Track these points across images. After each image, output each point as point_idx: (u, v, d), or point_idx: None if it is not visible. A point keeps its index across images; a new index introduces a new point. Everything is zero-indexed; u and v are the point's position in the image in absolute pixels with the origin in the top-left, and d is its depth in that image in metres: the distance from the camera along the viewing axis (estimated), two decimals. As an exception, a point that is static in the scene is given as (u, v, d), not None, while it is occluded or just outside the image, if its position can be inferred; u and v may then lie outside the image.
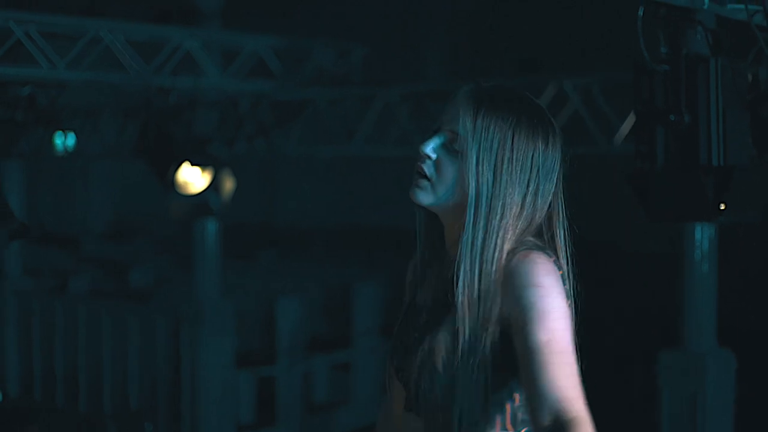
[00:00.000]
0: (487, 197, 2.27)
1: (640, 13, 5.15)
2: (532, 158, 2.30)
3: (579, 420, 2.06)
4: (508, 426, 2.27)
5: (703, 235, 7.70)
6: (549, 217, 2.39)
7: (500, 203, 2.28)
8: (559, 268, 2.33)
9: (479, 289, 2.24)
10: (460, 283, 2.26)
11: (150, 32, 8.22)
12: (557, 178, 2.38)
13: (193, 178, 8.16)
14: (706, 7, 4.77)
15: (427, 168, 2.35)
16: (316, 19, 9.02)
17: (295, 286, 11.46)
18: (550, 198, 2.37)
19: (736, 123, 5.23)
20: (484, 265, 2.25)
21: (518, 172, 2.29)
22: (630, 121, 7.34)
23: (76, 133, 9.69)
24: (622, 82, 7.31)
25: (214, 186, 8.28)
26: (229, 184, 8.37)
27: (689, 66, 5.19)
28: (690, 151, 5.24)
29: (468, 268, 2.25)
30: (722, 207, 5.32)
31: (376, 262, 12.04)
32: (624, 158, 6.31)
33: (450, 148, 2.33)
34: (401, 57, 9.42)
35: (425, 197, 2.36)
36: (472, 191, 2.28)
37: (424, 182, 2.35)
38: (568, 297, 2.31)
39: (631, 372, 9.48)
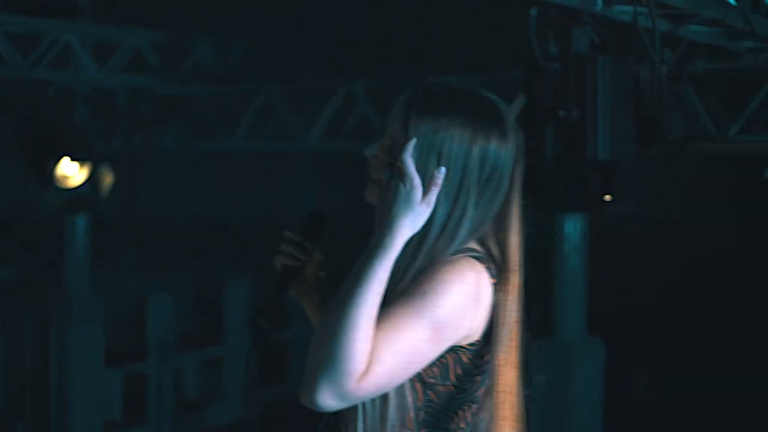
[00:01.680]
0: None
1: (533, 13, 5.37)
2: (469, 160, 2.25)
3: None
4: (409, 425, 2.27)
5: (575, 228, 7.97)
6: (501, 222, 2.34)
7: (440, 210, 2.25)
8: (493, 276, 2.29)
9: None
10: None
11: (29, 25, 8.13)
12: (510, 180, 2.32)
13: (71, 172, 8.11)
14: (599, 8, 4.99)
15: (371, 171, 2.34)
16: (195, 14, 9.00)
17: (165, 283, 11.40)
18: (499, 201, 2.31)
19: (621, 120, 5.49)
20: (412, 271, 2.24)
21: (457, 176, 2.24)
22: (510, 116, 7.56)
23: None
24: (500, 80, 7.54)
25: (92, 180, 8.24)
26: (108, 179, 8.34)
27: (578, 64, 5.43)
28: (577, 146, 5.47)
29: (400, 273, 2.23)
30: (607, 198, 5.58)
31: (247, 259, 12.07)
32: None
33: (389, 153, 2.29)
34: (280, 53, 9.47)
35: (371, 197, 2.34)
36: None
37: (370, 184, 2.34)
38: (493, 306, 2.29)
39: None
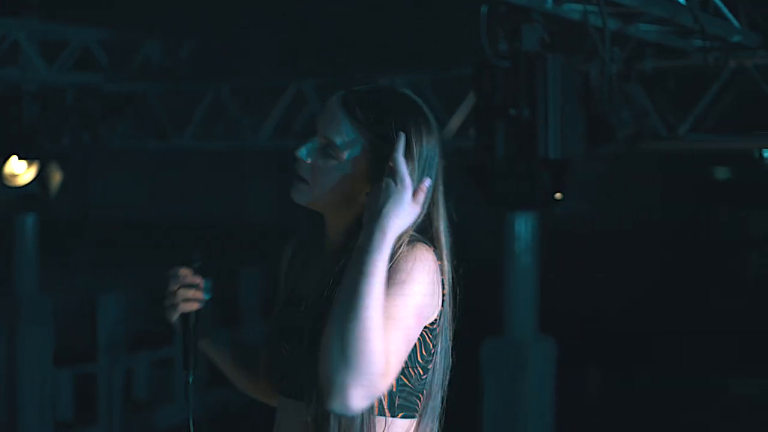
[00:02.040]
0: None
1: (484, 11, 5.37)
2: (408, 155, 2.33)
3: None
4: (386, 411, 2.31)
5: (526, 227, 7.97)
6: (429, 212, 2.42)
7: None
8: (439, 258, 2.38)
9: None
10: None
11: (-26, 22, 8.05)
12: (435, 173, 2.40)
13: (19, 171, 8.05)
14: (549, 6, 4.98)
15: (303, 172, 2.38)
16: (144, 12, 8.95)
17: (116, 282, 11.33)
18: (429, 193, 2.39)
19: (572, 118, 5.50)
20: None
21: None
22: (460, 115, 7.58)
23: None
24: (450, 78, 7.57)
25: (40, 179, 8.18)
26: (56, 177, 8.27)
27: (528, 62, 5.43)
28: (528, 144, 5.47)
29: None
30: (558, 196, 5.58)
31: (196, 258, 11.99)
32: (457, 152, 6.50)
33: (324, 152, 2.35)
34: (229, 51, 9.45)
35: (302, 198, 2.40)
36: (352, 195, 2.35)
37: (301, 185, 2.38)
38: (444, 288, 2.37)
39: (457, 362, 9.71)
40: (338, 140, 2.32)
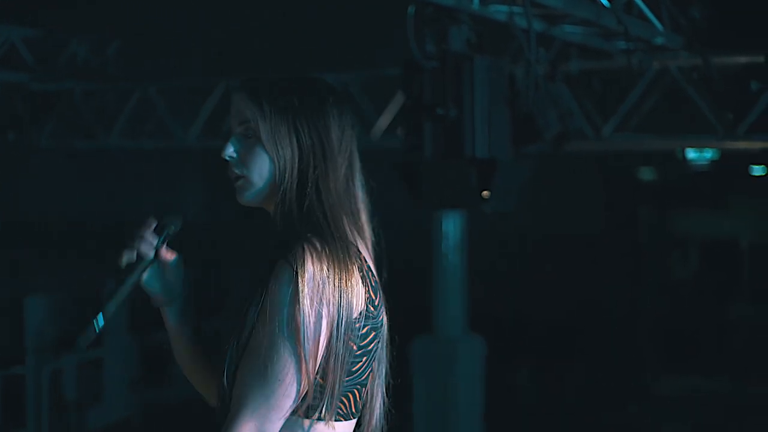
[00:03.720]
0: (292, 175, 2.31)
1: (411, 11, 5.41)
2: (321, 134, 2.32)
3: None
4: (299, 412, 2.21)
5: (454, 226, 8.04)
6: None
7: (317, 182, 2.31)
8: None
9: None
10: None
11: None
12: (349, 152, 2.36)
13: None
14: (476, 7, 5.03)
15: (236, 168, 2.33)
16: (71, 11, 8.86)
17: (44, 283, 11.20)
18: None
19: (498, 118, 5.55)
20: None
21: (319, 147, 2.31)
22: (388, 115, 7.62)
23: None
24: (379, 78, 7.62)
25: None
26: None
27: (455, 63, 5.48)
28: (455, 143, 5.52)
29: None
30: (485, 195, 5.64)
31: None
32: (386, 152, 6.53)
33: (246, 140, 2.33)
34: (156, 50, 9.39)
35: (246, 194, 2.34)
36: (276, 178, 2.31)
37: (240, 181, 2.33)
38: None
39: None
40: (250, 116, 2.29)
